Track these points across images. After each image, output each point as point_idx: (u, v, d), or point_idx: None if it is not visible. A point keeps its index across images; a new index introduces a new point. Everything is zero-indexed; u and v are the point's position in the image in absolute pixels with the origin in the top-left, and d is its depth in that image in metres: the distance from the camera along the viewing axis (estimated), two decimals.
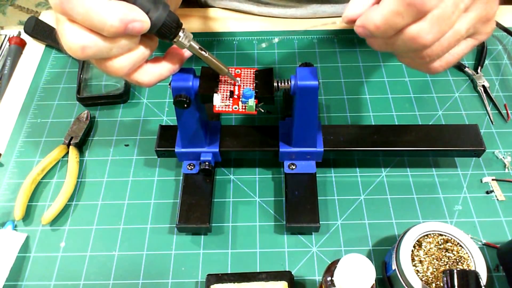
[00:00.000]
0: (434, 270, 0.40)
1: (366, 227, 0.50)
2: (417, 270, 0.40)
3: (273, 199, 0.53)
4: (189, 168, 0.52)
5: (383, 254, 0.48)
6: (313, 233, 0.50)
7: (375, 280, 0.36)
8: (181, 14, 0.74)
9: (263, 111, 0.44)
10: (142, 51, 0.37)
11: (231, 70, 0.43)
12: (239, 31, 0.70)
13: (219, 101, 0.43)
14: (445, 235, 0.42)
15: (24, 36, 0.70)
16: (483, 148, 0.50)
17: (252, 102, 0.42)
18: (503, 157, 0.55)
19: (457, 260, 0.41)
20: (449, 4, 0.31)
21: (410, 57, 0.36)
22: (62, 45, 0.35)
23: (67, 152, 0.56)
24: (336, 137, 0.51)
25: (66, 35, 0.34)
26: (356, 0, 0.34)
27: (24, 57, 0.68)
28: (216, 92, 0.43)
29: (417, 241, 0.42)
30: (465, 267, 0.40)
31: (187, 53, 0.41)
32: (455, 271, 0.37)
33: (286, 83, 0.43)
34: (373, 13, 0.32)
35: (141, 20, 0.34)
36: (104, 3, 0.32)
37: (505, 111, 0.60)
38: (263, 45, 0.45)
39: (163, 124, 0.57)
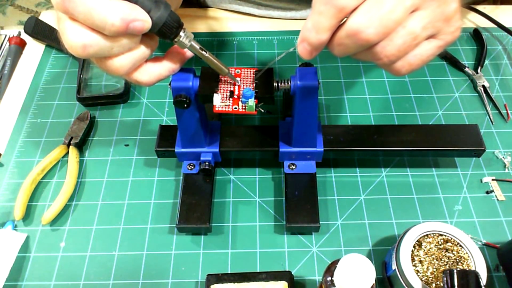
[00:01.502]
0: (434, 270, 0.40)
1: (366, 227, 0.50)
2: (417, 270, 0.40)
3: (273, 199, 0.53)
4: (189, 168, 0.52)
5: (383, 254, 0.48)
6: (313, 233, 0.50)
7: (375, 280, 0.36)
8: (181, 14, 0.73)
9: (263, 111, 0.44)
10: (142, 51, 0.37)
11: (231, 70, 0.43)
12: (239, 31, 0.71)
13: (219, 101, 0.43)
14: (445, 235, 0.42)
15: (24, 36, 0.70)
16: (483, 148, 0.50)
17: (252, 102, 0.42)
18: (503, 157, 0.55)
19: (457, 260, 0.41)
20: None
21: (370, 58, 0.35)
22: (63, 44, 0.35)
23: (67, 152, 0.56)
24: (336, 137, 0.51)
25: (68, 33, 0.34)
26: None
27: (24, 57, 0.68)
28: (216, 92, 0.43)
29: (417, 241, 0.42)
30: (465, 267, 0.40)
31: (188, 53, 0.41)
32: (455, 271, 0.37)
33: (286, 83, 0.43)
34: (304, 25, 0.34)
35: (142, 20, 0.34)
36: (105, 2, 0.32)
37: (505, 111, 0.60)
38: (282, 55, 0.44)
39: (163, 124, 0.57)
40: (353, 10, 0.32)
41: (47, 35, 0.68)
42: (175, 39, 0.37)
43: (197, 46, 0.39)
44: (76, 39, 0.33)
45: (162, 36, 0.37)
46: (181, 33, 0.37)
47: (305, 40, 0.34)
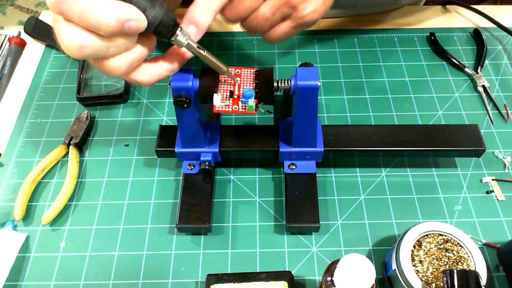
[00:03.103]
0: (434, 270, 0.40)
1: (366, 227, 0.50)
2: (417, 270, 0.40)
3: (273, 199, 0.53)
4: (189, 168, 0.52)
5: (383, 254, 0.48)
6: (313, 233, 0.50)
7: (375, 280, 0.36)
8: (181, 14, 0.74)
9: (263, 111, 0.44)
10: (139, 50, 0.37)
11: (231, 70, 0.43)
12: (239, 31, 0.70)
13: (219, 101, 0.43)
14: (445, 235, 0.42)
15: (24, 36, 0.70)
16: (483, 148, 0.50)
17: (252, 102, 0.42)
18: (503, 157, 0.55)
19: (457, 260, 0.41)
20: None
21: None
22: (60, 45, 0.35)
23: (67, 152, 0.56)
24: (336, 137, 0.51)
25: (63, 34, 0.34)
26: None
27: (24, 57, 0.68)
28: (216, 92, 0.43)
29: (417, 241, 0.42)
30: (465, 267, 0.40)
31: (187, 54, 0.40)
32: (455, 271, 0.37)
33: (286, 83, 0.43)
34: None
35: (137, 19, 0.34)
36: (100, 3, 0.32)
37: (505, 111, 0.60)
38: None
39: (163, 124, 0.57)
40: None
41: (47, 35, 0.68)
42: (172, 38, 0.37)
43: (195, 45, 0.38)
44: (72, 40, 0.33)
45: (158, 35, 0.37)
46: (178, 32, 0.37)
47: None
